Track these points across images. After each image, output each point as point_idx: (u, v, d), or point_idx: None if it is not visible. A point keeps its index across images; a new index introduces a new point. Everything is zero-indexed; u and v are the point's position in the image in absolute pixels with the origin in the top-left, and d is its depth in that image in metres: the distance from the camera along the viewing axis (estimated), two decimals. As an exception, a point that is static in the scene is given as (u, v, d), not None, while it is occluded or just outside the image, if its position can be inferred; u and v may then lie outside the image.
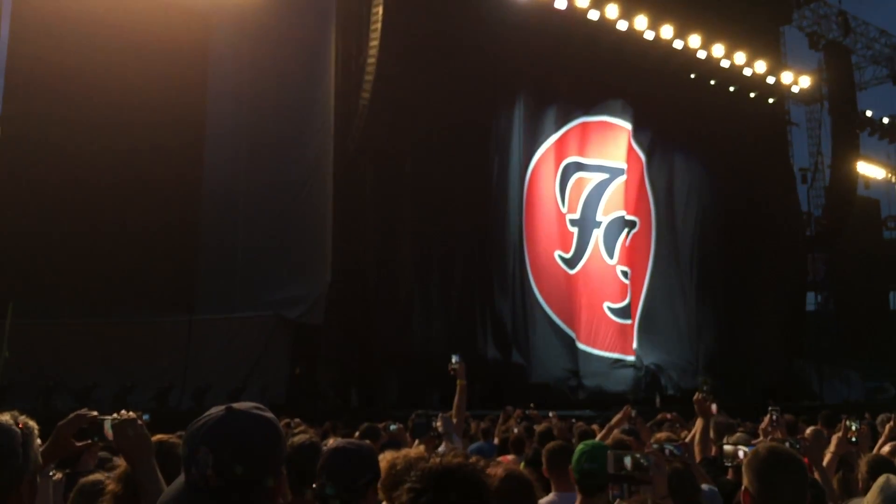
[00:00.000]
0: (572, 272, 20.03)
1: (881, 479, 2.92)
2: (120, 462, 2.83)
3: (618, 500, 2.98)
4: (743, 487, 2.73)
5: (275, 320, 15.57)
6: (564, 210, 20.22)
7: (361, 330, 16.21)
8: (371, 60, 15.89)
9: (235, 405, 1.76)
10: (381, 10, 15.81)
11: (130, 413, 2.50)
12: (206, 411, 1.78)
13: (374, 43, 15.86)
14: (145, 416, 2.59)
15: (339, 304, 15.82)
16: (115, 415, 2.48)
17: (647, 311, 21.47)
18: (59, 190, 14.27)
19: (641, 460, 2.92)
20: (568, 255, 20.06)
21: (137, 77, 14.29)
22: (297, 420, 8.44)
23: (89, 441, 2.54)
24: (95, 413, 2.53)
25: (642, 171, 22.04)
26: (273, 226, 16.09)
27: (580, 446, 3.60)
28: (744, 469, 2.75)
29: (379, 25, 15.76)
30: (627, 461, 2.92)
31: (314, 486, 2.74)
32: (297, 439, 3.38)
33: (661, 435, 5.77)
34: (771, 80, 22.71)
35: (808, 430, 5.94)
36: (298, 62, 16.49)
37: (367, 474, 2.79)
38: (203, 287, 15.13)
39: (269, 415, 1.78)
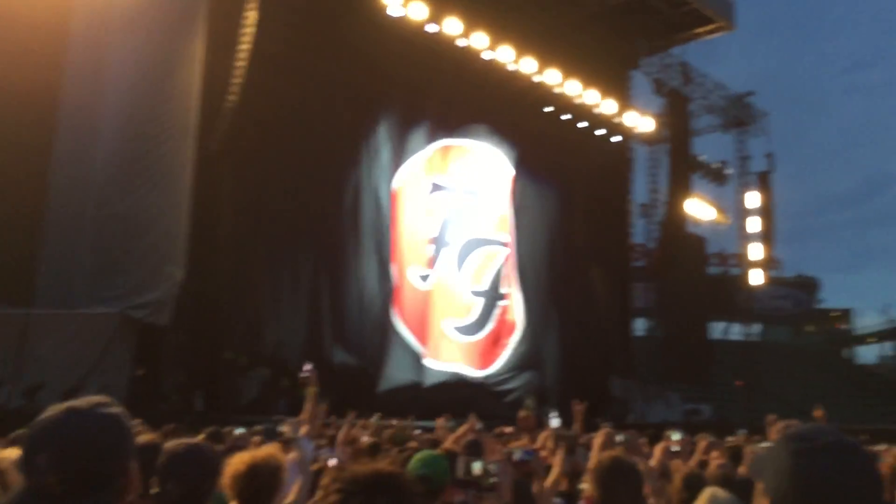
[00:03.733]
0: (424, 289, 20.60)
1: (707, 493, 3.20)
2: None
3: None
4: (586, 495, 3.06)
5: (119, 318, 15.06)
6: (425, 228, 20.79)
7: (210, 333, 15.96)
8: (240, 63, 15.76)
9: (76, 403, 1.64)
10: (253, 14, 15.75)
11: None
12: (43, 411, 1.65)
13: (245, 46, 15.75)
14: None
15: (188, 307, 15.50)
16: None
17: (509, 332, 22.51)
18: None
19: (489, 466, 2.97)
20: (425, 273, 20.63)
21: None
22: (137, 421, 8.28)
23: None
24: None
25: (503, 195, 23.04)
26: (124, 221, 15.59)
27: (417, 455, 3.73)
28: (589, 476, 3.00)
29: (250, 29, 15.68)
30: (476, 467, 2.96)
31: (156, 489, 2.67)
32: (137, 440, 3.38)
33: (519, 443, 6.15)
34: (618, 120, 24.35)
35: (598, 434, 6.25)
36: (162, 57, 16.11)
37: (211, 476, 2.77)
38: (43, 280, 14.45)
39: (115, 410, 1.67)
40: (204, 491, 2.73)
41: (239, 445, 7.47)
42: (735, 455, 6.35)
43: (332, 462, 5.60)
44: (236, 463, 3.43)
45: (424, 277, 20.57)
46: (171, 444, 2.93)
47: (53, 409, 1.62)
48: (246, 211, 16.65)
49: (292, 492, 3.95)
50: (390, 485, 1.85)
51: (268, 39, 15.91)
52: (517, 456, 3.92)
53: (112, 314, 14.98)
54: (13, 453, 3.04)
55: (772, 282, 33.77)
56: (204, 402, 15.34)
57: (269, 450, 3.70)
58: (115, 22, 16.09)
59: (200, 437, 6.27)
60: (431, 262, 20.77)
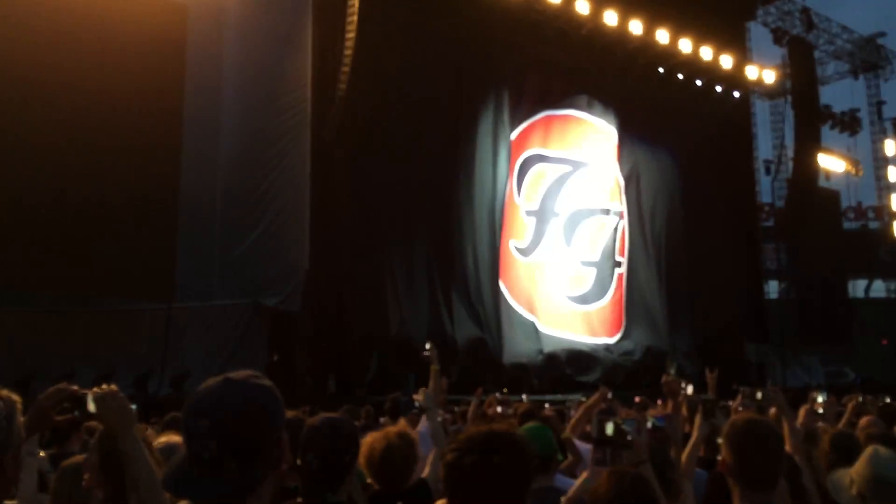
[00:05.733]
0: (526, 260, 20.45)
1: (869, 450, 2.97)
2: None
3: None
4: (721, 458, 2.81)
5: (252, 308, 15.77)
6: (520, 201, 20.60)
7: (338, 317, 16.42)
8: (347, 52, 16.03)
9: (232, 374, 1.71)
10: (357, 1, 15.97)
11: (112, 386, 2.45)
12: (196, 388, 1.72)
13: (351, 35, 16.01)
14: (132, 407, 2.55)
15: (316, 292, 16.02)
16: (95, 388, 2.43)
17: (627, 300, 22.11)
18: (36, 181, 14.15)
19: (623, 426, 2.94)
20: (523, 245, 20.47)
21: (114, 68, 14.22)
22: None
23: (70, 416, 2.53)
24: (76, 387, 2.51)
25: (611, 164, 22.53)
26: (251, 216, 16.26)
27: (520, 428, 3.64)
28: (722, 440, 2.83)
29: (355, 18, 15.91)
30: (609, 427, 2.94)
31: (299, 461, 2.75)
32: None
33: (654, 411, 6.00)
34: (736, 75, 23.26)
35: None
36: (275, 53, 16.62)
37: (351, 449, 2.83)
38: (181, 276, 15.24)
39: (267, 382, 1.73)
40: (345, 463, 2.78)
41: (371, 423, 7.71)
42: (888, 415, 5.97)
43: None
44: (371, 444, 3.51)
45: (522, 250, 20.42)
46: (311, 419, 3.04)
47: (211, 380, 1.68)
48: (361, 195, 16.95)
49: (427, 463, 3.99)
50: (505, 443, 1.90)
51: (372, 25, 16.12)
52: (650, 423, 3.76)
53: (246, 304, 15.70)
54: (173, 438, 3.24)
55: (917, 233, 31.51)
56: (336, 384, 15.83)
57: (401, 427, 3.76)
58: (226, 27, 16.74)
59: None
60: (530, 235, 20.58)
